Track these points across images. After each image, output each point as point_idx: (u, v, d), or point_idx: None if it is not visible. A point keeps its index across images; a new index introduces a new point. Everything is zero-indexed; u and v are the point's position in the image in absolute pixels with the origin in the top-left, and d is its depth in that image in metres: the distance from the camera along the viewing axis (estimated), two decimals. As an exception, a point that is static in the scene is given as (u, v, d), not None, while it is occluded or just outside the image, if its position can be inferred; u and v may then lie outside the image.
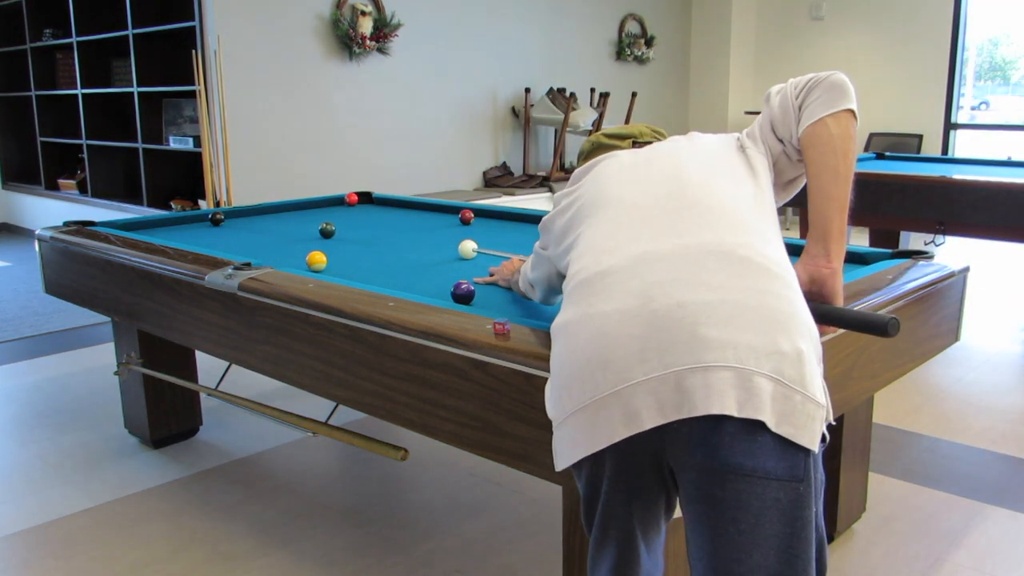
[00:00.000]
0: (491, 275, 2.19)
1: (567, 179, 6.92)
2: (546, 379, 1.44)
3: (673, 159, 1.45)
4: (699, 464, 1.15)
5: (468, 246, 2.51)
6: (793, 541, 1.15)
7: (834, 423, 1.22)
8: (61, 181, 6.98)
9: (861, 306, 1.77)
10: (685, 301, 1.16)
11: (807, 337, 1.19)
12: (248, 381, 3.43)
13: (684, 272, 1.20)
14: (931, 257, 2.23)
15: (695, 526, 1.20)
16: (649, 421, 1.15)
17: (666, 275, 1.20)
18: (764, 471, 1.12)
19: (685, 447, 1.15)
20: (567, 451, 1.24)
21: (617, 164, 1.50)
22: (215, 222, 3.17)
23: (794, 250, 2.45)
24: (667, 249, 1.24)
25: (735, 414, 1.11)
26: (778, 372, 1.13)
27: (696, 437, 1.14)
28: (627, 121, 7.30)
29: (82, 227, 2.92)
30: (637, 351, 1.15)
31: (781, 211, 8.64)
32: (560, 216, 1.54)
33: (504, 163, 6.90)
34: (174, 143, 5.72)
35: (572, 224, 1.47)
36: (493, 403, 1.55)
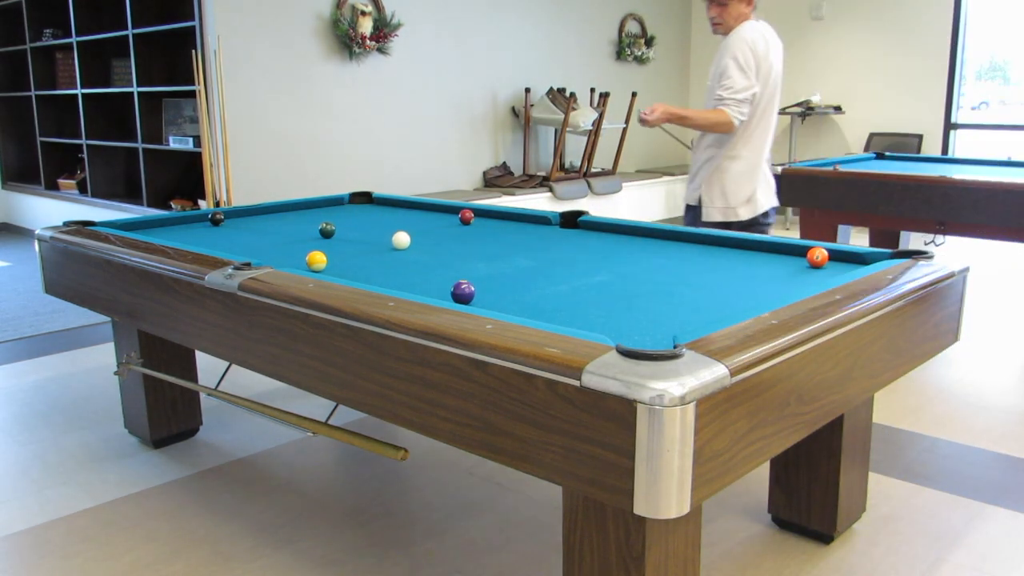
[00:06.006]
0: (649, 114, 3.02)
1: (567, 179, 6.93)
2: (545, 379, 1.44)
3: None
4: None
5: (403, 238, 2.67)
6: None
7: None
8: (61, 181, 6.98)
9: (861, 306, 1.77)
10: None
11: None
12: (248, 381, 3.43)
13: None
14: (931, 257, 2.23)
15: None
16: None
17: None
18: None
19: None
20: None
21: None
22: (215, 222, 3.17)
23: (799, 250, 2.45)
24: None
25: None
26: None
27: None
28: (627, 122, 7.29)
29: (82, 227, 2.92)
30: None
31: (781, 211, 8.61)
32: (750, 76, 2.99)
33: (504, 163, 6.90)
34: (174, 143, 5.72)
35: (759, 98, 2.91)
36: (493, 403, 1.54)
